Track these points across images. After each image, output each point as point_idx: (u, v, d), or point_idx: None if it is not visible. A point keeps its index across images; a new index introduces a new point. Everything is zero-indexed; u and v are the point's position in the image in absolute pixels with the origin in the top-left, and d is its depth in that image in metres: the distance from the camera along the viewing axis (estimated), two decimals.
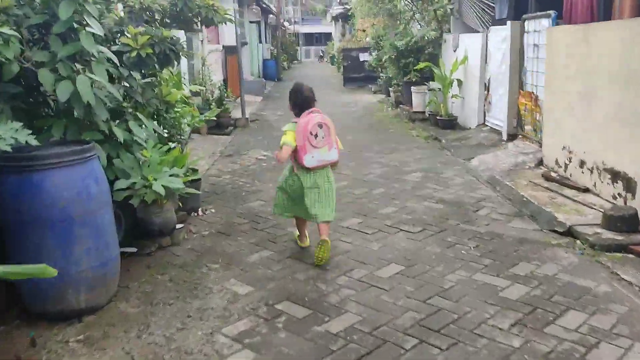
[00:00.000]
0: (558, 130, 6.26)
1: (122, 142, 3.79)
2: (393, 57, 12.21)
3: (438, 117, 10.13)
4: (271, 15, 32.68)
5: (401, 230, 4.87)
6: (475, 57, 9.38)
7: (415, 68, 11.52)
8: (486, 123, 9.20)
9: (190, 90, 10.14)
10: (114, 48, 4.13)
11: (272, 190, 6.30)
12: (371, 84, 19.11)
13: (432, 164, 7.49)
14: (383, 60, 13.17)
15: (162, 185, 3.85)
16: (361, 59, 20.09)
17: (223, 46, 14.87)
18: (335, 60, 33.80)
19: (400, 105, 13.16)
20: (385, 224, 5.05)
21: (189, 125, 5.83)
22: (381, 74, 16.06)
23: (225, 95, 10.97)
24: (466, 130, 9.57)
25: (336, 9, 39.04)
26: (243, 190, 6.38)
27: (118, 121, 3.95)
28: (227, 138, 10.03)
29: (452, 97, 10.06)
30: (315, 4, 63.84)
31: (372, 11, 15.43)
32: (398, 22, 14.30)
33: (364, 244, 4.56)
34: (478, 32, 9.64)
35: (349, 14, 28.72)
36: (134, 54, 4.08)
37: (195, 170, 6.27)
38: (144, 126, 4.15)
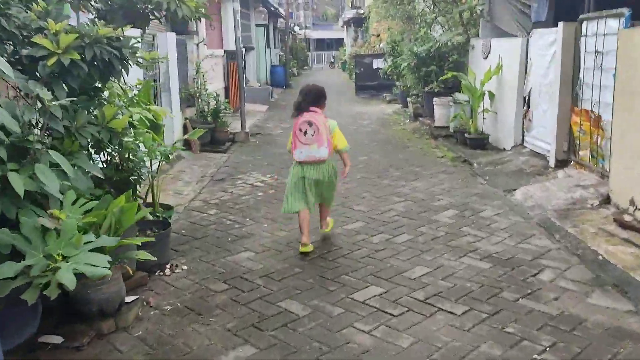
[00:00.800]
0: (634, 160, 4.86)
1: (23, 195, 2.46)
2: (412, 64, 10.83)
3: (466, 135, 8.73)
4: (281, 20, 31.48)
5: (439, 309, 3.49)
6: (512, 66, 7.99)
7: (440, 78, 10.13)
8: (525, 144, 7.80)
9: (182, 98, 8.86)
10: (25, 52, 2.80)
11: (266, 234, 4.96)
12: (385, 92, 17.74)
13: (466, 196, 6.10)
14: (401, 67, 11.79)
15: (76, 272, 2.47)
16: (375, 66, 18.73)
17: (225, 51, 13.57)
18: (347, 66, 32.50)
19: (420, 118, 11.77)
20: (416, 297, 3.67)
21: (151, 157, 4.48)
22: (397, 83, 14.70)
23: (223, 106, 9.64)
24: (501, 152, 8.17)
25: (348, 14, 37.77)
26: (229, 234, 5.03)
27: (23, 162, 2.62)
28: (221, 157, 8.70)
29: (483, 111, 8.66)
30: (327, 8, 62.77)
31: (388, 13, 14.05)
32: (417, 25, 12.93)
33: (389, 337, 3.18)
34: (515, 36, 8.26)
35: (365, 15, 27.36)
36: (52, 60, 2.75)
37: (168, 209, 4.94)
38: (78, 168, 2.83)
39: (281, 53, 29.19)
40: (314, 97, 4.53)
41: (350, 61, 28.57)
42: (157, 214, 4.65)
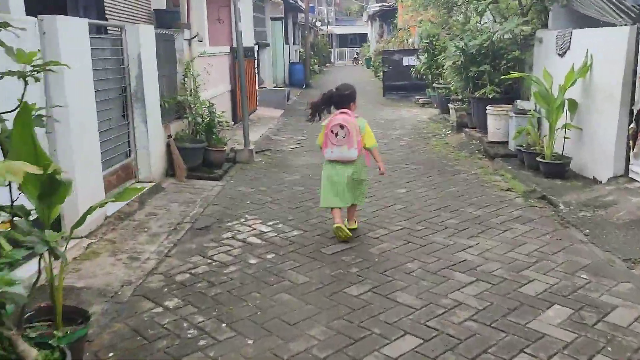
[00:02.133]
0: None
1: None
2: (459, 63, 8.61)
3: (540, 159, 6.51)
4: (301, 15, 29.36)
5: None
6: (610, 66, 5.76)
7: (501, 79, 7.91)
8: (633, 176, 5.56)
9: (165, 109, 6.81)
10: None
11: None
12: (417, 94, 15.54)
13: (569, 271, 3.92)
14: (444, 66, 9.58)
15: None
16: (405, 64, 16.53)
17: (231, 48, 11.51)
18: (372, 63, 30.29)
19: (465, 129, 9.57)
20: None
21: None
22: (436, 84, 12.47)
23: (218, 118, 7.56)
24: (591, 184, 5.95)
25: (373, 7, 35.51)
26: None
27: None
28: (213, 187, 6.63)
29: (563, 127, 6.43)
30: (350, 4, 60.60)
31: (425, 3, 11.82)
32: (461, 15, 10.69)
33: None
34: (610, 24, 6.02)
35: (393, 7, 25.10)
36: None
37: (84, 318, 2.91)
38: None
39: (301, 50, 27.08)
40: (342, 101, 4.71)
41: (376, 58, 26.38)
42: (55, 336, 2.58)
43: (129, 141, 6.27)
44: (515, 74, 7.05)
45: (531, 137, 6.96)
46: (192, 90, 7.71)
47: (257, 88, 14.25)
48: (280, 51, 20.87)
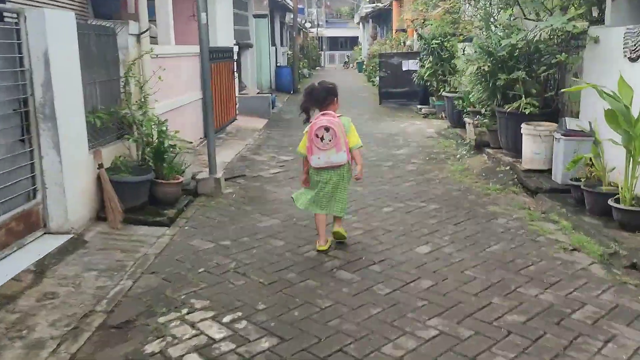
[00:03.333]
0: None
1: None
2: (486, 68, 6.78)
3: (613, 203, 4.66)
4: (290, 15, 27.46)
5: None
6: None
7: (558, 91, 6.10)
8: None
9: (99, 128, 4.87)
10: None
11: None
12: (417, 102, 13.74)
13: None
14: (464, 72, 7.73)
15: None
16: (404, 68, 14.71)
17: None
18: (364, 67, 28.52)
19: (487, 150, 7.76)
20: None
21: None
22: (445, 92, 10.65)
23: (171, 140, 5.63)
24: None
25: (366, 8, 33.78)
26: None
27: None
28: (157, 239, 4.72)
29: None
30: (341, 4, 58.93)
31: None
32: (479, 12, 8.89)
33: None
34: None
35: (388, 5, 23.32)
36: None
37: None
38: None
39: (289, 52, 25.20)
40: (324, 97, 4.37)
41: (369, 61, 24.61)
42: None
43: (33, 176, 4.37)
44: (585, 85, 5.22)
45: (595, 170, 5.14)
46: (140, 102, 5.80)
47: (236, 94, 12.38)
48: (265, 53, 18.99)
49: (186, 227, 5.05)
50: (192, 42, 10.75)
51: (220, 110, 10.52)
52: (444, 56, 11.79)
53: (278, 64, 22.05)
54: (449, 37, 10.82)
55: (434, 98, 12.59)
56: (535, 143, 6.33)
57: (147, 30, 6.24)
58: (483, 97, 7.17)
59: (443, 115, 12.13)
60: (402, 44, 20.61)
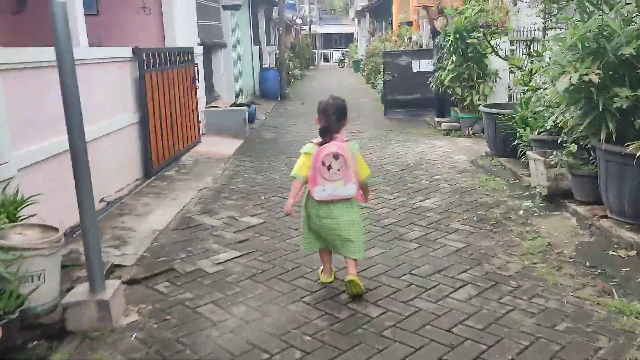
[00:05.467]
0: None
1: None
2: (594, 79, 3.82)
3: None
4: (277, 9, 24.49)
5: None
6: None
7: None
8: None
9: None
10: None
11: None
12: (435, 113, 10.82)
13: None
14: (556, 87, 4.74)
15: None
16: (415, 70, 11.79)
17: (136, 50, 6.66)
18: (362, 66, 25.62)
19: (570, 204, 4.84)
20: None
21: None
22: (483, 107, 7.67)
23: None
24: None
25: (361, 2, 30.84)
26: None
27: None
28: None
29: None
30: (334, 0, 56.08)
31: None
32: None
33: None
34: None
35: None
36: None
37: None
38: None
39: (277, 51, 22.25)
40: (339, 117, 3.56)
41: (368, 60, 21.70)
42: None
43: None
44: None
45: None
46: None
47: (200, 109, 9.48)
48: (247, 53, 16.06)
49: None
50: (149, 41, 8.47)
51: (172, 136, 7.61)
52: (471, 55, 8.95)
53: (264, 66, 19.12)
54: (483, 29, 7.89)
55: (457, 109, 9.69)
56: None
57: None
58: (584, 127, 4.19)
59: (470, 131, 9.26)
60: (405, 39, 17.73)
